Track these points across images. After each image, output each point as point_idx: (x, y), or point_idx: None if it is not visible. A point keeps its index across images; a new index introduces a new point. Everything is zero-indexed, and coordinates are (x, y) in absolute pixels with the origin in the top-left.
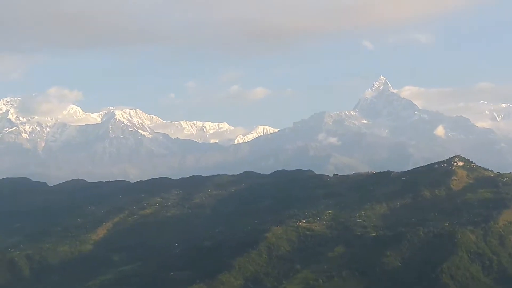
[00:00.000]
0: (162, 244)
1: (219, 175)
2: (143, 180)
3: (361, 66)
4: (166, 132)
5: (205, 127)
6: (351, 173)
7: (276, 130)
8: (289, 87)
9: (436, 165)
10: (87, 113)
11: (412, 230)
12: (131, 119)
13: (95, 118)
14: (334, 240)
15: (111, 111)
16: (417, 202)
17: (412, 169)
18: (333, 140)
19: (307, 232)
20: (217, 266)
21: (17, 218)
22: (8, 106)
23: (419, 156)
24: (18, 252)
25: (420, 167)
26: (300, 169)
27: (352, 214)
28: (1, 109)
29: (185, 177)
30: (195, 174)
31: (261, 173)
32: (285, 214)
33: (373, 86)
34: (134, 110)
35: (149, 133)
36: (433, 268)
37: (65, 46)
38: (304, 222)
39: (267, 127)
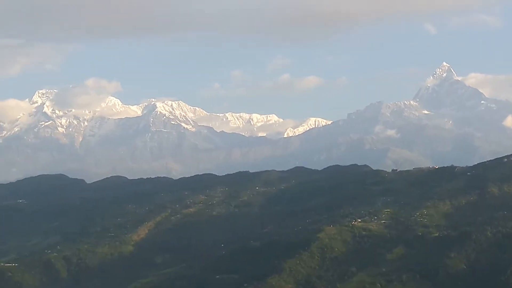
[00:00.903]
0: (207, 245)
1: (267, 171)
2: (186, 176)
3: (422, 52)
4: (210, 125)
5: (252, 120)
6: (411, 168)
7: (329, 122)
8: (343, 76)
9: (505, 159)
10: (127, 106)
11: (478, 230)
12: (173, 112)
13: (135, 110)
14: (392, 241)
15: (152, 103)
16: (484, 200)
17: (478, 163)
18: (391, 132)
19: (363, 232)
20: (266, 268)
21: (53, 218)
22: (44, 98)
23: (486, 149)
24: (55, 254)
25: (487, 161)
26: (355, 164)
27: (412, 213)
28: (36, 102)
29: (231, 173)
30: (241, 170)
31: (313, 168)
32: (339, 212)
33: (435, 74)
34: (177, 102)
35: (192, 126)
36: (501, 271)
37: (102, 34)
38: (360, 222)
39: (319, 119)
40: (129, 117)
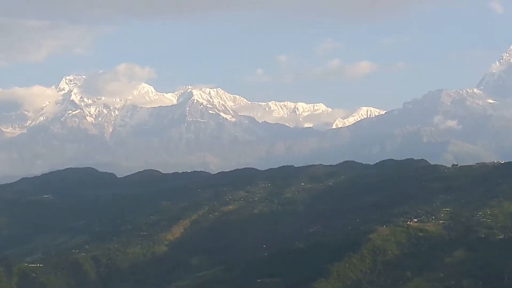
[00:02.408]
0: (248, 245)
1: (314, 165)
2: (225, 171)
3: (487, 34)
4: (252, 115)
5: (298, 109)
6: (473, 163)
7: (383, 112)
8: (399, 61)
9: None
10: (161, 93)
11: None
12: (211, 100)
13: (170, 99)
14: (452, 243)
15: (188, 90)
16: None
17: None
18: (452, 123)
19: (420, 234)
20: (312, 272)
21: (81, 215)
22: (71, 85)
23: None
24: (83, 254)
25: None
26: (412, 159)
27: (474, 213)
28: (63, 89)
29: (274, 167)
30: (286, 164)
31: (364, 163)
32: (393, 211)
33: (502, 59)
34: (215, 90)
35: (232, 116)
36: None
37: (136, 15)
38: (416, 222)
39: (371, 108)
40: (163, 106)
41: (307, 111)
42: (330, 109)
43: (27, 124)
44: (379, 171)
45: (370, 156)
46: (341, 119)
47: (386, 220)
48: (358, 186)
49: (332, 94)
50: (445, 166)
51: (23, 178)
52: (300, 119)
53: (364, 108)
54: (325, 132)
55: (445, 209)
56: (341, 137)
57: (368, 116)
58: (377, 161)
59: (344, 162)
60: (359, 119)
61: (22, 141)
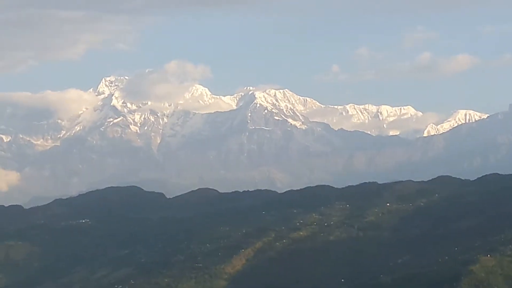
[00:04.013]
0: (323, 279)
1: (401, 181)
2: (295, 189)
3: None
4: (326, 121)
5: (381, 113)
6: None
7: (485, 116)
8: (506, 53)
9: None
10: (218, 96)
11: None
12: (277, 104)
13: (229, 102)
14: None
15: (250, 92)
16: None
17: None
18: None
19: None
20: None
21: (125, 243)
22: (112, 88)
23: None
24: None
25: None
26: None
27: None
28: (103, 93)
29: (354, 184)
30: (367, 181)
31: (463, 178)
32: (499, 238)
33: None
34: (282, 91)
35: (302, 122)
36: None
37: (187, 4)
38: None
39: (470, 111)
40: (221, 111)
41: (392, 115)
42: (421, 113)
43: (61, 135)
44: (480, 187)
45: (470, 169)
46: (433, 125)
47: (490, 248)
48: (456, 207)
49: (423, 94)
50: None
51: (56, 199)
52: (384, 125)
53: (462, 112)
54: (414, 141)
55: None
56: (434, 146)
57: (467, 121)
58: (479, 176)
59: (438, 177)
60: (455, 124)
61: (55, 155)
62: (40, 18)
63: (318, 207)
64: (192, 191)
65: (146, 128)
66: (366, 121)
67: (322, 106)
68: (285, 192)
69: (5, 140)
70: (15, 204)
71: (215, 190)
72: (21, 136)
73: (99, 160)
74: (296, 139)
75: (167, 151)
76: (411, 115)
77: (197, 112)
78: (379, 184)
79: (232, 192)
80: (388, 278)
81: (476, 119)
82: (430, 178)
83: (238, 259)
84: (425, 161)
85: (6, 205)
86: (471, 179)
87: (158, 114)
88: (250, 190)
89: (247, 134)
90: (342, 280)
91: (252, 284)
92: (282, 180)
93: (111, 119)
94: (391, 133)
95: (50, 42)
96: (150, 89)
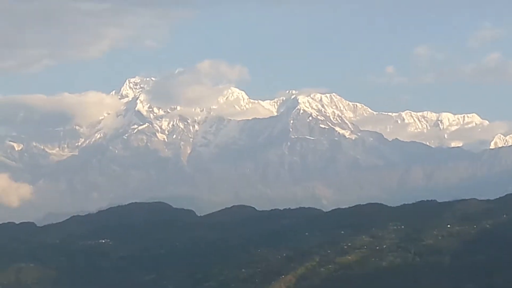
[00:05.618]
0: None
1: (465, 199)
2: (342, 207)
3: None
4: (378, 129)
5: (442, 122)
6: None
7: None
8: None
9: None
10: (256, 101)
11: None
12: (323, 110)
13: (268, 108)
14: None
15: (293, 97)
16: None
17: None
18: None
19: None
20: None
21: (150, 266)
22: (137, 90)
23: None
24: None
25: None
26: None
27: None
28: (127, 96)
29: (409, 202)
30: (425, 199)
31: None
32: None
33: None
34: (328, 95)
35: (351, 132)
36: None
37: None
38: None
39: None
40: (259, 118)
41: (454, 124)
42: (487, 122)
43: (79, 143)
44: None
45: None
46: (502, 136)
47: None
48: None
49: (490, 101)
50: None
51: (73, 216)
52: (445, 135)
53: None
54: (480, 154)
55: None
56: (502, 160)
57: None
58: None
59: (506, 195)
60: None
61: (72, 166)
62: (56, 10)
63: (368, 228)
64: (226, 208)
65: (174, 136)
66: (425, 130)
67: (375, 113)
68: (331, 210)
69: (16, 149)
70: (27, 221)
71: (252, 207)
72: (34, 144)
73: (121, 172)
74: (344, 150)
75: (198, 162)
76: (476, 124)
77: (232, 118)
78: (439, 202)
79: (271, 210)
80: None
81: None
82: (498, 197)
83: (277, 286)
84: (491, 176)
85: (17, 222)
86: None
87: (189, 121)
88: (291, 208)
89: (289, 144)
90: None
91: None
92: (328, 197)
93: (136, 126)
94: (453, 144)
95: (68, 38)
96: (179, 92)
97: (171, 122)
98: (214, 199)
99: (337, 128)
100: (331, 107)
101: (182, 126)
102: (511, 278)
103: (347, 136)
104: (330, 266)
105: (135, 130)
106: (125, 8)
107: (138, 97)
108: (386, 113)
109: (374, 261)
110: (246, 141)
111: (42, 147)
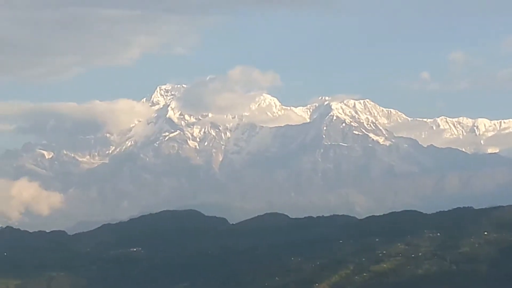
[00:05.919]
0: None
1: (502, 206)
2: (377, 215)
3: None
4: (413, 136)
5: (478, 127)
6: None
7: None
8: None
9: None
10: (289, 107)
11: None
12: (357, 116)
13: (301, 115)
14: None
15: (326, 103)
16: None
17: None
18: None
19: None
20: None
21: (182, 275)
22: (168, 98)
23: None
24: None
25: None
26: None
27: None
28: (158, 103)
29: (445, 210)
30: (461, 205)
31: None
32: None
33: None
34: (362, 101)
35: (385, 138)
36: None
37: (255, 2)
38: None
39: None
40: (292, 125)
41: (491, 130)
42: None
43: (110, 151)
44: None
45: None
46: None
47: None
48: None
49: None
50: None
51: (104, 224)
52: (482, 141)
53: None
54: None
55: None
56: None
57: None
58: None
59: None
60: None
61: (103, 174)
62: (87, 18)
63: (404, 235)
64: (259, 216)
65: (206, 143)
66: (461, 136)
67: (409, 119)
68: (365, 218)
69: (47, 157)
70: (58, 229)
71: (285, 215)
72: (65, 152)
73: (152, 180)
74: (378, 157)
75: (230, 170)
76: None
77: (264, 125)
78: (476, 209)
79: (305, 217)
80: None
81: None
82: None
83: None
84: None
85: (48, 231)
86: None
87: (220, 128)
88: (325, 215)
89: (322, 151)
90: None
91: None
92: (362, 204)
93: (167, 133)
94: (490, 150)
95: (99, 46)
96: (211, 99)
97: (203, 130)
98: (247, 206)
99: (371, 135)
100: (365, 113)
101: (213, 134)
102: None
103: (381, 143)
104: (364, 274)
105: (166, 138)
106: (156, 15)
107: (169, 104)
108: (421, 119)
109: (409, 269)
110: (278, 148)
111: (72, 155)
